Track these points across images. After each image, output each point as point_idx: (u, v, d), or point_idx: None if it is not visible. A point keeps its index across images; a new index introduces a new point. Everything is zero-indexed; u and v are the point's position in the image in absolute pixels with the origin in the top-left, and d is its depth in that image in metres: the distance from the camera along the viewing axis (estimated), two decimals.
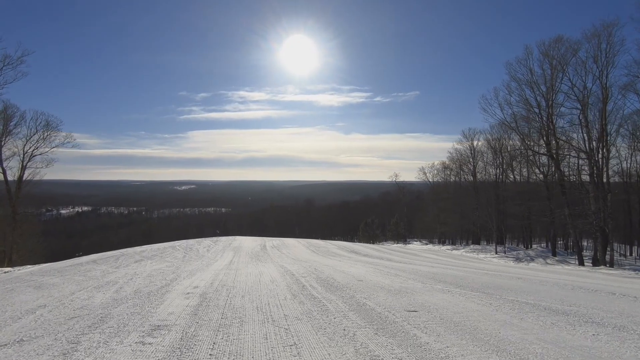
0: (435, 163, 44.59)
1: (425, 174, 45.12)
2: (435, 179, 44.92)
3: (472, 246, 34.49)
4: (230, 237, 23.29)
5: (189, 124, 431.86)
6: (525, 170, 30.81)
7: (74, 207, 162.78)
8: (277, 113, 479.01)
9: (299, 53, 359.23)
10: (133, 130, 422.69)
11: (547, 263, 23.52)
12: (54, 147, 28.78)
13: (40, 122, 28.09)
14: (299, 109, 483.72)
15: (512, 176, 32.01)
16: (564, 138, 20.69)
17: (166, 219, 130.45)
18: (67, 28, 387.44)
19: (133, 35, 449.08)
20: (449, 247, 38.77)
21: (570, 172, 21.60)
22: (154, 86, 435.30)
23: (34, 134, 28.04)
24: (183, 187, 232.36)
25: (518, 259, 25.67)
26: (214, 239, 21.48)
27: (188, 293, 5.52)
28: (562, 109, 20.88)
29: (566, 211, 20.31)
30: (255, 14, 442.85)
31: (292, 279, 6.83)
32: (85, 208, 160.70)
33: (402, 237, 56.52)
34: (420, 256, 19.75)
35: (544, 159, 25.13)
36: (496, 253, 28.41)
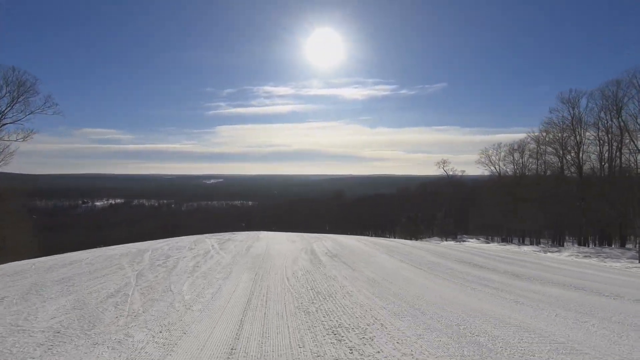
0: (502, 145, 34.49)
1: (489, 157, 35.05)
2: (501, 165, 34.85)
3: (577, 248, 24.53)
4: (252, 233, 14.79)
5: (216, 119, 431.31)
6: None
7: (107, 200, 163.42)
8: (301, 107, 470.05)
9: (324, 46, 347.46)
10: (163, 126, 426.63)
11: None
12: (30, 113, 21.43)
13: (12, 81, 20.78)
14: (324, 103, 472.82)
15: None
16: None
17: (194, 211, 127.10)
18: (100, 30, 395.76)
19: (162, 34, 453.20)
20: (533, 247, 28.73)
21: None
22: (181, 82, 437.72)
23: (4, 96, 20.77)
24: (211, 181, 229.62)
25: None
26: (226, 235, 13.02)
27: None
28: None
29: None
30: (282, 6, 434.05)
31: None
32: (118, 200, 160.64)
33: (452, 233, 46.69)
34: (555, 267, 10.59)
35: None
36: None
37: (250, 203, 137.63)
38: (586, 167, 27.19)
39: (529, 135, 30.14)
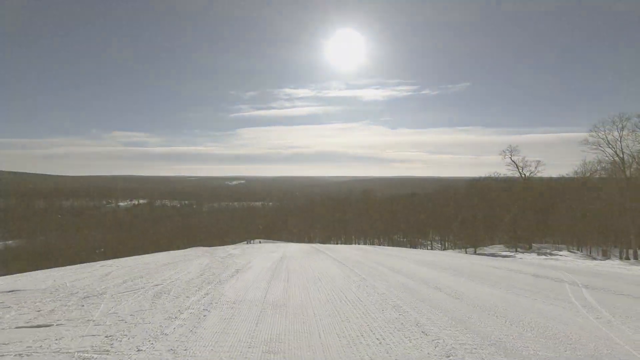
0: (623, 117, 22.99)
1: (605, 135, 23.59)
2: (623, 145, 23.34)
3: None
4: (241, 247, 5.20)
5: (239, 122, 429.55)
6: None
7: (131, 200, 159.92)
8: (322, 109, 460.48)
9: (345, 47, 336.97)
10: (187, 129, 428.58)
11: None
12: None
13: None
14: (344, 105, 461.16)
15: None
16: None
17: (214, 212, 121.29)
18: (128, 36, 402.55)
19: (187, 39, 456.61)
20: None
21: None
22: (205, 86, 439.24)
23: None
24: (233, 183, 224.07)
25: None
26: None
27: None
28: None
29: None
30: (304, 8, 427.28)
31: None
32: (142, 201, 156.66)
33: (526, 242, 35.08)
34: None
35: None
36: None
37: (270, 204, 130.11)
38: None
39: None
